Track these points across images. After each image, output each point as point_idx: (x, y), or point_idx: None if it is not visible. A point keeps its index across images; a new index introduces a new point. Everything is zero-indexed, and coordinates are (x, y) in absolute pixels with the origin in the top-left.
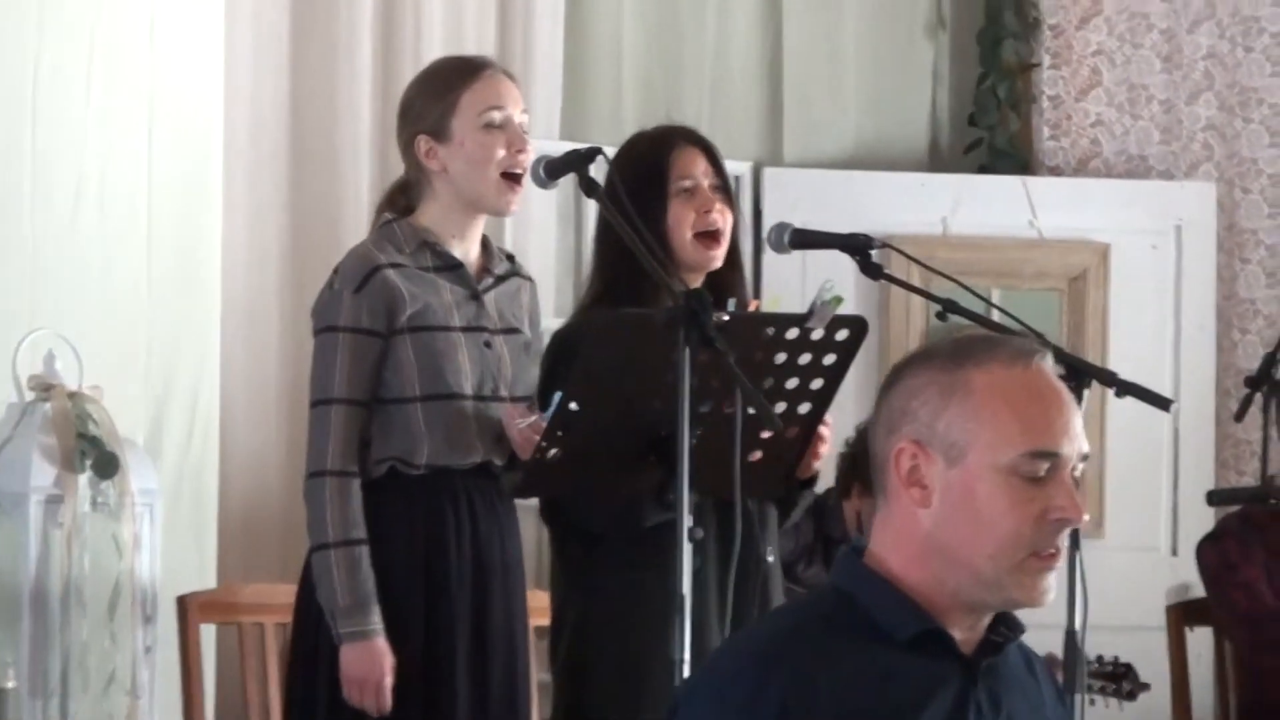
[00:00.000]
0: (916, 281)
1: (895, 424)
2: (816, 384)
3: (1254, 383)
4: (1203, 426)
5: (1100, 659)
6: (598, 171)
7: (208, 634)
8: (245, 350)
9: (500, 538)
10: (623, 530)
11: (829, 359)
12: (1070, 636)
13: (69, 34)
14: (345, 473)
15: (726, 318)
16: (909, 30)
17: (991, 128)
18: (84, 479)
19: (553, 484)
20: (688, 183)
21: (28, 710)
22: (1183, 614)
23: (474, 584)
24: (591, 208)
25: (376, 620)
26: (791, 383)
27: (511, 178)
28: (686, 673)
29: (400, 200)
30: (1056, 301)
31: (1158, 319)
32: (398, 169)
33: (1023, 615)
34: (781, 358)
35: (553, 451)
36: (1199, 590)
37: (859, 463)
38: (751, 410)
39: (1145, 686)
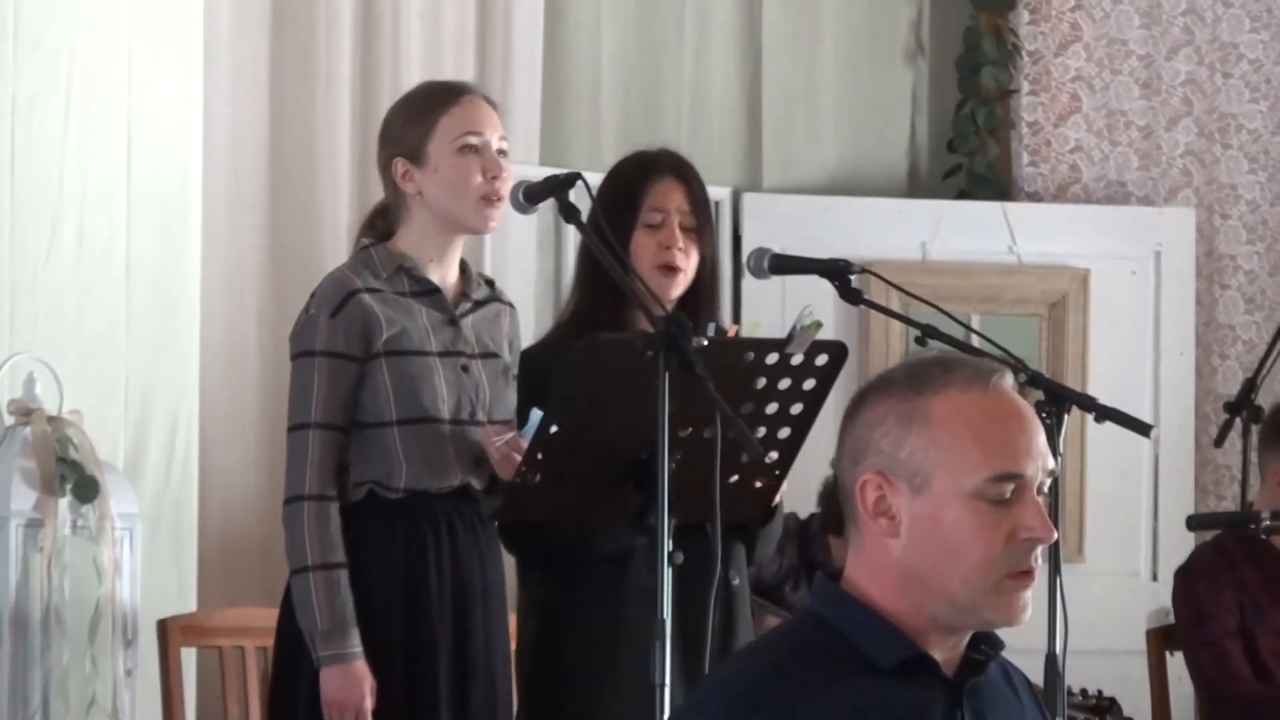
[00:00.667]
0: (896, 307)
1: (858, 455)
2: (796, 409)
3: (1233, 408)
4: (1183, 452)
5: (1084, 692)
6: (577, 197)
7: (188, 657)
8: (224, 374)
9: (481, 561)
10: (582, 557)
11: (809, 384)
12: (1050, 661)
13: (47, 63)
14: (323, 497)
15: (706, 342)
16: (888, 57)
17: (971, 154)
18: (64, 503)
19: (532, 508)
20: (657, 216)
21: None
22: (1163, 638)
23: (454, 607)
24: (571, 233)
25: (356, 643)
26: (771, 408)
27: (489, 201)
28: (668, 696)
29: (379, 225)
30: (1036, 327)
31: (1137, 344)
32: (376, 195)
33: (1003, 639)
34: (761, 383)
35: (536, 476)
36: None
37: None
38: (731, 435)
39: None
